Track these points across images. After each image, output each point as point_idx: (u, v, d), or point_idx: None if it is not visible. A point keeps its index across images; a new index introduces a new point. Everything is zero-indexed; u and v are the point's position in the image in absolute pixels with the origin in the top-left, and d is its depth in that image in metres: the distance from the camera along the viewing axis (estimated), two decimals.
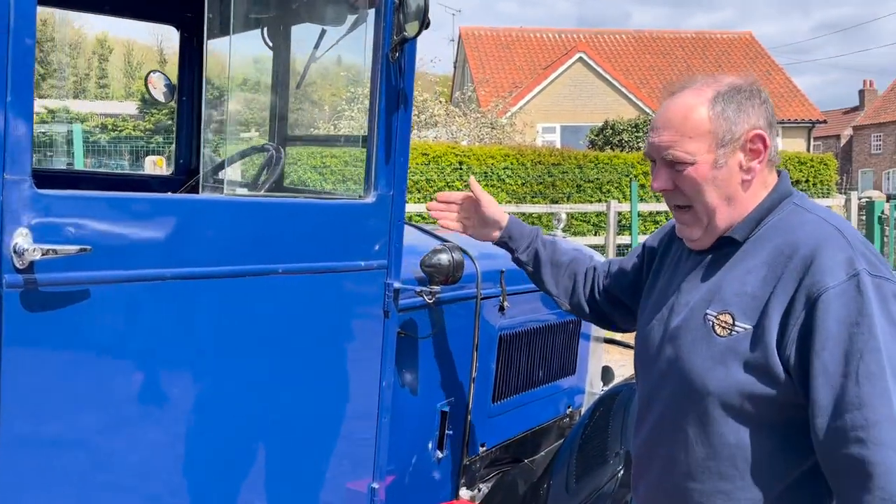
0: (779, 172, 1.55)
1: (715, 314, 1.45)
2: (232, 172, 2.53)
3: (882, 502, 1.24)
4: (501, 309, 2.51)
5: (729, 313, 1.43)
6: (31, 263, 1.25)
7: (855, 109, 49.39)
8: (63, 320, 1.32)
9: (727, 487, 1.43)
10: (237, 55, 2.49)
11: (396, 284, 1.87)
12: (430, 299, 1.97)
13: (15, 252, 1.23)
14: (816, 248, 1.36)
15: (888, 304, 1.32)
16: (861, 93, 48.90)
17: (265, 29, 2.45)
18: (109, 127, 30.41)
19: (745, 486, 1.42)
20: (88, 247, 1.30)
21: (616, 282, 1.92)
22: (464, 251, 2.11)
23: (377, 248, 1.84)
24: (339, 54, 2.23)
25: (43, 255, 1.25)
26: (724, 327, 1.42)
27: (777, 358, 1.36)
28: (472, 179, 2.06)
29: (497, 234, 2.03)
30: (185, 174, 2.88)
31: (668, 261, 1.69)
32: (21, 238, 1.24)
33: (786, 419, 1.39)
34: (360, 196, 1.86)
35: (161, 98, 2.87)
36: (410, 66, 1.85)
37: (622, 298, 1.90)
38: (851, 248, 1.36)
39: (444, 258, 1.94)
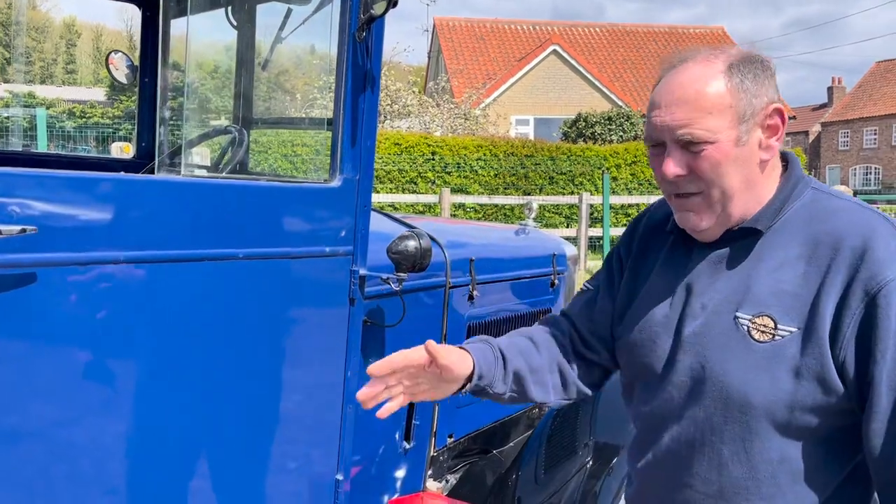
0: (786, 155, 1.40)
1: (749, 317, 1.28)
2: (194, 155, 2.46)
3: None
4: (471, 298, 2.48)
5: (768, 316, 1.26)
6: None
7: (823, 106, 50.14)
8: (7, 305, 1.25)
9: (767, 501, 1.29)
10: (200, 35, 2.42)
11: (362, 271, 1.83)
12: (396, 287, 1.93)
13: None
14: (867, 237, 1.23)
15: None
16: (829, 90, 49.61)
17: (229, 8, 2.37)
18: (77, 113, 29.85)
19: (785, 502, 1.29)
20: (34, 227, 1.24)
21: (601, 320, 1.55)
22: (433, 238, 2.07)
23: (343, 233, 1.79)
24: (304, 35, 2.16)
25: None
26: (763, 332, 1.26)
27: (831, 362, 1.22)
28: (431, 343, 1.36)
29: (457, 386, 1.43)
30: (148, 158, 2.79)
31: (656, 257, 1.47)
32: None
33: (834, 427, 1.27)
34: (325, 180, 1.81)
35: (122, 79, 2.79)
36: (378, 47, 1.80)
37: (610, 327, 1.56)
38: None
39: (411, 245, 1.89)
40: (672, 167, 1.30)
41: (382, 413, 1.39)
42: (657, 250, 1.47)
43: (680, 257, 1.41)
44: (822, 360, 1.22)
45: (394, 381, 1.38)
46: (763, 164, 1.32)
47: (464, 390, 1.45)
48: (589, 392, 1.58)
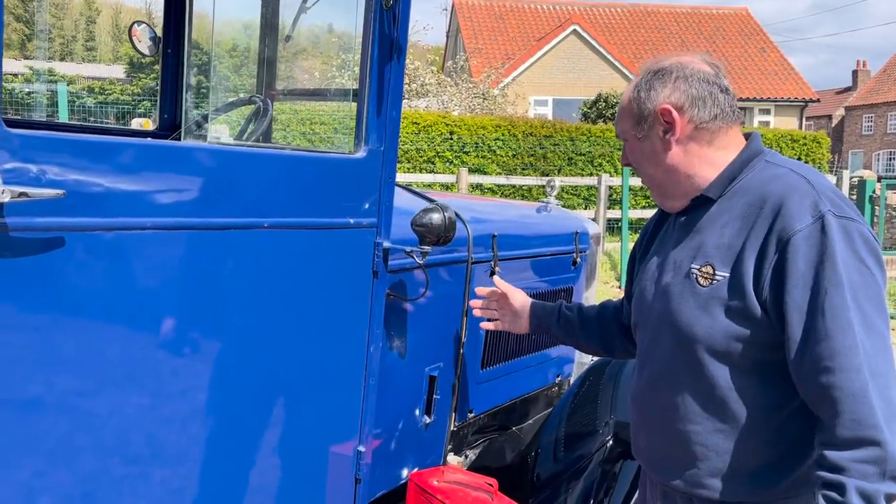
0: (748, 135, 1.68)
1: (698, 267, 1.57)
2: (218, 127, 2.45)
3: (851, 423, 1.35)
4: (493, 274, 2.46)
5: (710, 264, 1.55)
6: (2, 206, 1.18)
7: (847, 90, 49.35)
8: (35, 267, 1.25)
9: (725, 427, 1.54)
10: (223, 5, 2.40)
11: (386, 244, 1.81)
12: (420, 260, 1.91)
13: None
14: (784, 195, 1.48)
15: (853, 241, 1.43)
16: (854, 73, 48.78)
17: None
18: (96, 90, 29.96)
19: (740, 423, 1.53)
20: (62, 191, 1.23)
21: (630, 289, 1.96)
22: (456, 213, 2.05)
23: (367, 205, 1.78)
24: (330, 4, 2.14)
25: (14, 197, 1.18)
26: (706, 277, 1.54)
27: (755, 300, 1.47)
28: (497, 278, 2.20)
29: (526, 322, 2.13)
30: (170, 130, 2.79)
31: (660, 234, 1.80)
32: None
33: (772, 360, 1.49)
34: (350, 151, 1.79)
35: (145, 51, 2.77)
36: (405, 16, 1.78)
37: None
38: (817, 192, 1.47)
39: (436, 217, 1.87)
40: (622, 157, 1.78)
41: (485, 325, 2.21)
42: (661, 228, 1.81)
43: (669, 229, 1.75)
44: (746, 298, 1.48)
45: (493, 304, 2.18)
46: (678, 154, 1.61)
47: (531, 326, 2.12)
48: (633, 348, 1.92)
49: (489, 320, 2.21)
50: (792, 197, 1.47)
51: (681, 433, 1.59)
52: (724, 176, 1.60)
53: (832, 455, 1.37)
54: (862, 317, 1.39)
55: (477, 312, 2.19)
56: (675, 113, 1.59)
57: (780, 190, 1.50)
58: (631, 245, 7.18)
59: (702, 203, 1.63)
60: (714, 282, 1.53)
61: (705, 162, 1.62)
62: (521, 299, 2.15)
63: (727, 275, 1.51)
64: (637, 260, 1.90)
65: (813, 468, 1.45)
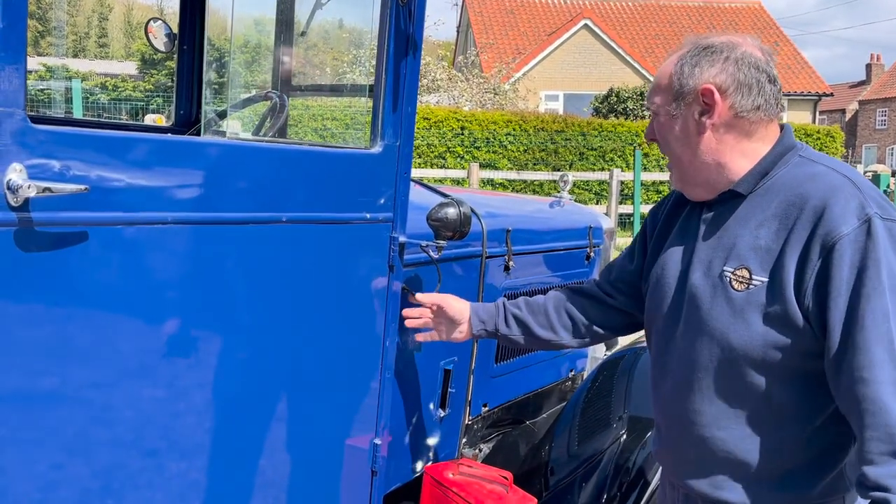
0: (782, 126, 1.58)
1: (732, 270, 1.48)
2: (234, 122, 2.47)
3: (888, 437, 1.29)
4: (506, 269, 2.47)
5: (746, 268, 1.46)
6: (27, 201, 1.20)
7: (861, 84, 48.95)
8: (59, 262, 1.27)
9: (755, 434, 1.49)
10: (240, 2, 2.41)
11: (402, 238, 1.83)
12: (435, 254, 1.93)
13: (9, 188, 1.18)
14: (827, 197, 1.39)
15: None
16: (868, 67, 48.36)
17: None
18: (109, 87, 30.12)
19: (772, 431, 1.48)
20: (85, 186, 1.25)
21: (624, 271, 1.85)
22: (471, 208, 2.06)
23: (383, 200, 1.79)
24: (345, 2, 2.15)
25: (38, 193, 1.20)
26: (741, 281, 1.46)
27: (796, 307, 1.40)
28: (421, 294, 1.96)
29: (467, 327, 1.92)
30: (186, 126, 2.81)
31: (677, 223, 1.70)
32: (15, 174, 1.18)
33: (810, 368, 1.43)
34: (366, 146, 1.81)
35: (162, 48, 2.79)
36: (420, 11, 1.78)
37: (636, 282, 1.83)
38: (862, 193, 1.39)
39: (451, 212, 1.88)
40: (646, 132, 1.67)
41: (420, 336, 1.99)
42: (678, 219, 1.70)
43: (691, 222, 1.63)
44: (787, 305, 1.40)
45: (429, 313, 1.95)
46: (709, 138, 1.52)
47: (475, 330, 1.92)
48: (612, 335, 1.91)
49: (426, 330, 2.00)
50: (836, 198, 1.38)
51: (708, 439, 1.54)
52: (755, 171, 1.51)
53: (871, 472, 1.30)
54: None
55: (409, 323, 1.94)
56: (717, 95, 1.49)
57: (823, 190, 1.41)
58: None
59: (730, 197, 1.54)
60: (751, 286, 1.44)
61: (738, 153, 1.52)
62: (457, 306, 1.93)
63: (765, 280, 1.43)
64: (649, 245, 1.78)
65: (841, 475, 1.43)
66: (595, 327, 1.87)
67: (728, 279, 1.48)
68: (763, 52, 1.53)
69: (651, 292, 1.70)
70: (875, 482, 1.29)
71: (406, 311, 1.94)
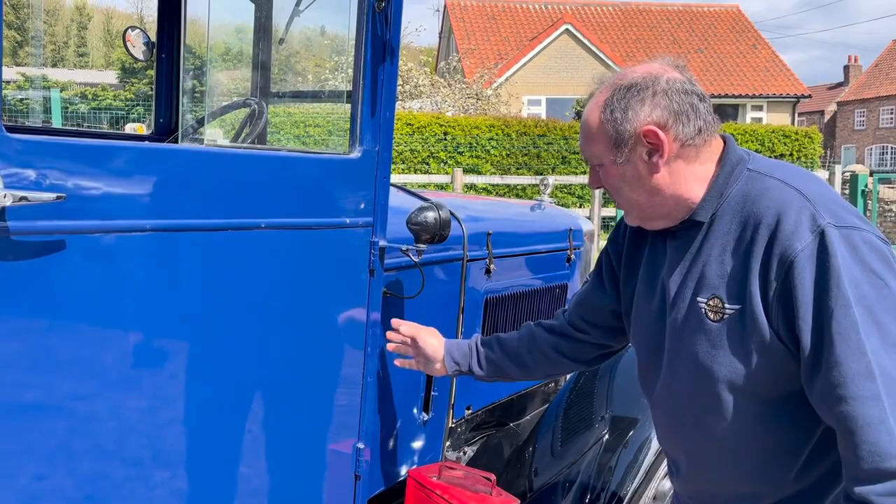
0: (724, 139, 1.53)
1: (705, 300, 1.45)
2: (213, 130, 2.47)
3: (870, 455, 1.24)
4: (488, 272, 2.49)
5: (717, 297, 1.43)
6: (3, 210, 1.20)
7: (839, 85, 49.51)
8: (37, 271, 1.27)
9: (754, 461, 1.46)
10: (217, 9, 2.42)
11: (382, 242, 1.84)
12: (416, 258, 1.94)
13: None
14: (780, 212, 1.36)
15: (859, 252, 1.31)
16: (846, 68, 48.94)
17: None
18: (89, 96, 29.91)
19: (774, 457, 1.45)
20: (62, 195, 1.25)
21: (597, 305, 1.81)
22: (451, 212, 2.07)
23: (362, 205, 1.80)
24: (323, 6, 2.16)
25: (15, 202, 1.20)
26: (715, 312, 1.43)
27: (769, 331, 1.36)
28: (403, 322, 1.99)
29: (441, 366, 1.95)
30: (165, 134, 2.81)
31: (644, 251, 1.65)
32: None
33: (798, 389, 1.39)
34: (345, 152, 1.81)
35: (140, 56, 2.79)
36: (397, 17, 1.80)
37: (613, 313, 1.80)
38: (812, 205, 1.35)
39: (430, 216, 1.90)
40: (589, 181, 1.61)
41: (398, 361, 2.01)
42: (644, 246, 1.65)
43: (657, 252, 1.60)
44: (761, 331, 1.36)
45: (408, 341, 1.97)
46: (664, 174, 1.46)
47: (449, 371, 1.94)
48: (586, 367, 1.96)
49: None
50: (787, 214, 1.35)
51: (712, 471, 1.53)
52: (710, 196, 1.47)
53: (857, 490, 1.26)
54: (881, 335, 1.27)
55: (391, 347, 2.00)
56: (660, 133, 1.43)
57: (774, 207, 1.37)
58: None
59: (692, 225, 1.50)
60: (725, 316, 1.41)
61: (691, 179, 1.48)
62: (433, 344, 1.94)
63: (738, 307, 1.39)
64: (620, 274, 1.73)
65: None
66: (568, 362, 1.88)
67: (703, 310, 1.44)
68: (680, 70, 1.49)
69: (632, 330, 1.68)
70: (859, 499, 1.27)
71: (390, 335, 1.98)
